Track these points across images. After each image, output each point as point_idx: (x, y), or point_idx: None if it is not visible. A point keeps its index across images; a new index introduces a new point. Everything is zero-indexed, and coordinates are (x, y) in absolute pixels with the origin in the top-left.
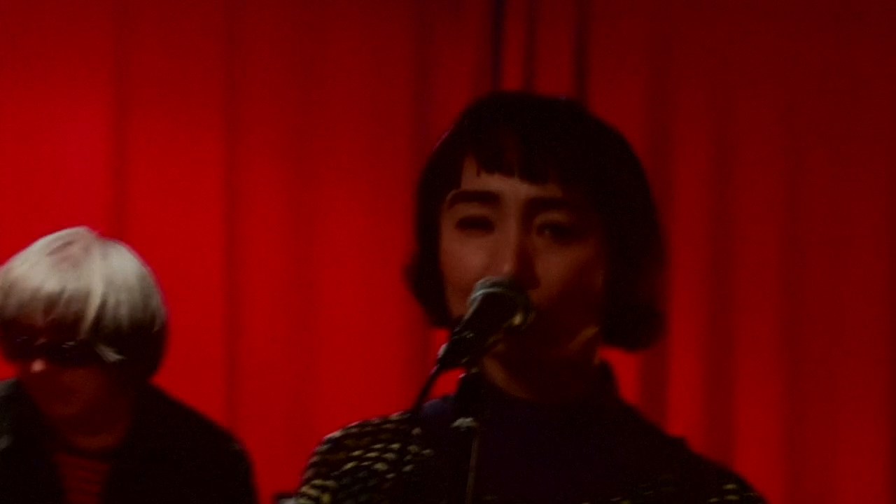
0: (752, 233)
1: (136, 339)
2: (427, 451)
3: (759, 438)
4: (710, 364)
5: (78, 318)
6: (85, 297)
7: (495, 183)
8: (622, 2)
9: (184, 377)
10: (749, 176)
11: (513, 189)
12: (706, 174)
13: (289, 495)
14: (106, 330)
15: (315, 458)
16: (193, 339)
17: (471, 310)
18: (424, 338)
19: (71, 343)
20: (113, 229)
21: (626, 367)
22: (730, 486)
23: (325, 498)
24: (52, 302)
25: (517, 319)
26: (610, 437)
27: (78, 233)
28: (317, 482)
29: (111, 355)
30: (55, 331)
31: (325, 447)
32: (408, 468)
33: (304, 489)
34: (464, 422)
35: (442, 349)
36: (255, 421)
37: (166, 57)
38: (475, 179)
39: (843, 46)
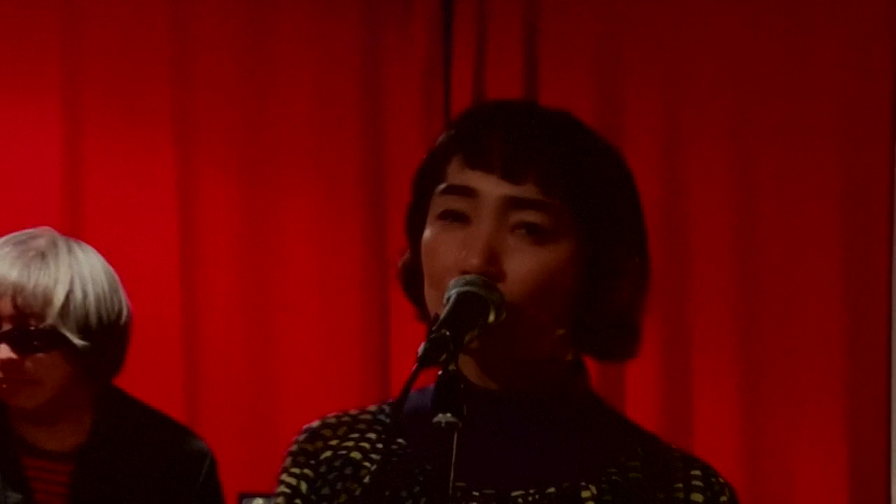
0: (705, 228)
1: (103, 328)
2: (401, 441)
3: (716, 433)
4: (667, 359)
5: (45, 303)
6: (53, 283)
7: (476, 179)
8: None
9: (143, 381)
10: (700, 171)
11: (491, 186)
12: (657, 170)
13: (253, 495)
14: (73, 315)
15: (293, 448)
16: (152, 342)
17: (447, 308)
18: (383, 334)
19: (36, 327)
20: (68, 235)
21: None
22: (696, 473)
23: (303, 486)
24: (18, 289)
25: (491, 317)
26: (578, 425)
27: (42, 229)
28: (295, 470)
29: (77, 341)
30: (21, 317)
31: (303, 437)
32: (379, 457)
33: (283, 477)
34: (443, 418)
35: (421, 347)
36: (217, 423)
37: (115, 60)
38: (459, 175)
39: (792, 39)
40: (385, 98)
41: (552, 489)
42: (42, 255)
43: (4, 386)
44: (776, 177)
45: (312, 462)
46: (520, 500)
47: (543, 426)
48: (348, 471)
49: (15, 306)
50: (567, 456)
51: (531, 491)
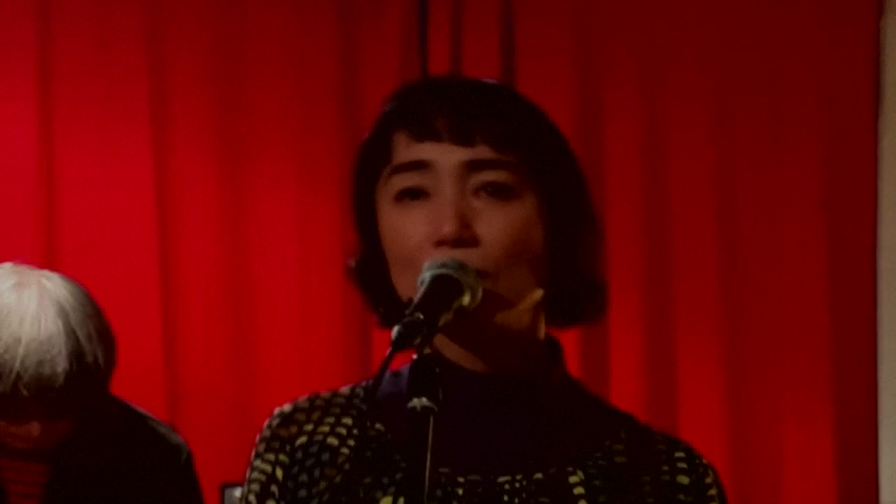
0: (687, 211)
1: (112, 363)
2: (379, 427)
3: (701, 417)
4: (651, 343)
5: (74, 379)
6: (63, 354)
7: (427, 151)
8: None
9: (122, 373)
10: (682, 155)
11: (445, 154)
12: (638, 155)
13: (235, 485)
14: (95, 377)
15: (266, 433)
16: (130, 334)
17: (420, 291)
18: (363, 324)
19: (69, 402)
20: (43, 225)
21: (565, 351)
22: (680, 455)
23: (279, 472)
24: (34, 380)
25: (466, 300)
26: (560, 409)
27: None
28: (269, 456)
29: (99, 394)
30: (54, 400)
31: (275, 421)
32: (356, 443)
33: (256, 463)
34: (419, 402)
35: (395, 331)
36: (198, 413)
37: (90, 45)
38: (406, 151)
39: (775, 25)
40: (362, 85)
41: (539, 475)
42: (45, 330)
43: (18, 442)
44: (757, 155)
45: (287, 448)
46: (506, 486)
47: (527, 410)
48: (325, 457)
49: (37, 394)
50: (552, 441)
51: (518, 477)
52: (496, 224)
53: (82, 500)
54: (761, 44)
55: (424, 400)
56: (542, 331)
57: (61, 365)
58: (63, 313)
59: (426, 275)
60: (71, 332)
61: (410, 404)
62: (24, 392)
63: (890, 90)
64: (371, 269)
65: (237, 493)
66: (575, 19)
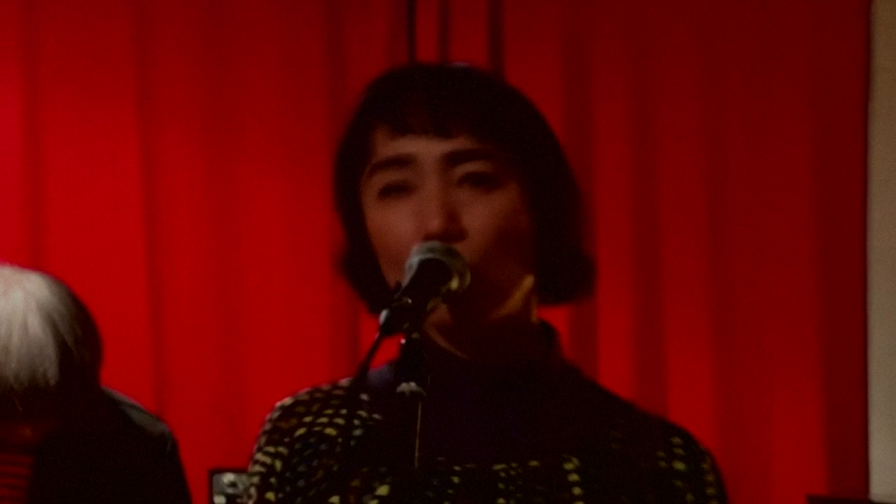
0: (676, 198)
1: (100, 359)
2: (376, 416)
3: (690, 401)
4: (640, 325)
5: (64, 383)
6: (54, 362)
7: (408, 145)
8: None
9: (110, 359)
10: (670, 146)
11: (427, 147)
12: (626, 143)
13: (223, 471)
14: (86, 377)
15: (267, 426)
16: (119, 325)
17: (408, 276)
18: (352, 314)
19: (61, 404)
20: (29, 220)
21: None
22: (676, 441)
23: (278, 464)
24: (25, 388)
25: (454, 284)
26: (556, 395)
27: None
28: (269, 449)
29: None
30: (45, 404)
31: (276, 414)
32: (358, 433)
33: (258, 456)
34: (407, 387)
35: (382, 316)
36: (186, 400)
37: (76, 34)
38: (388, 146)
39: (761, 15)
40: (349, 74)
41: (535, 462)
42: (24, 335)
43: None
44: (746, 149)
45: (287, 440)
46: (502, 473)
47: (522, 397)
48: (323, 447)
49: (26, 404)
50: (547, 427)
51: (513, 465)
52: (481, 215)
53: (67, 490)
54: (751, 32)
55: (413, 385)
56: (535, 316)
57: (52, 374)
58: (50, 320)
59: (414, 259)
60: (60, 339)
61: (399, 389)
62: (17, 403)
63: (880, 81)
64: (359, 263)
65: (225, 478)
66: (564, 10)
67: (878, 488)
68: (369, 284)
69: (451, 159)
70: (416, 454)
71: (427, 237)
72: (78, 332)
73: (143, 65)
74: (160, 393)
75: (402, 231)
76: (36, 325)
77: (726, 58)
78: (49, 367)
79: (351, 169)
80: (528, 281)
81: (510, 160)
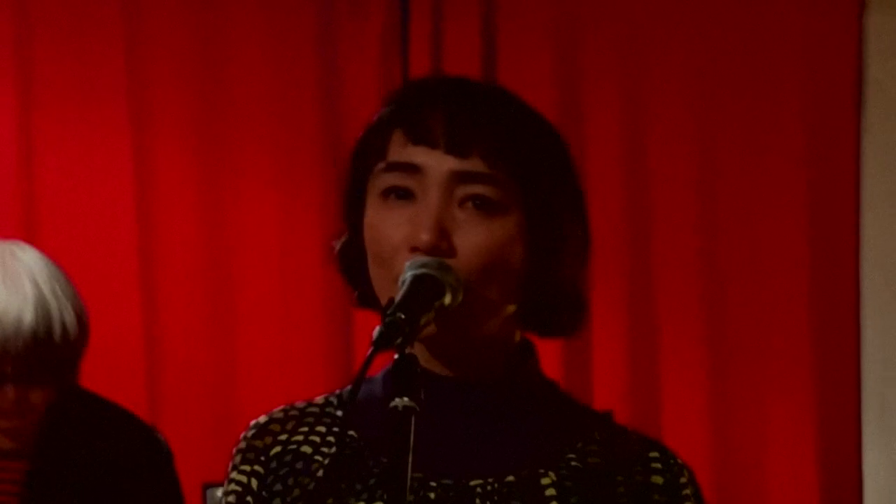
0: (669, 208)
1: (84, 332)
2: (351, 433)
3: (684, 416)
4: (633, 341)
5: (43, 336)
6: (29, 303)
7: (420, 155)
8: None
9: (104, 372)
10: (663, 153)
11: (436, 161)
12: (619, 152)
13: (217, 485)
14: (66, 339)
15: (242, 444)
16: (111, 333)
17: (402, 291)
18: (345, 322)
19: (41, 363)
20: (22, 220)
21: (548, 351)
22: (654, 455)
23: (254, 483)
24: (17, 331)
25: (447, 299)
26: (533, 411)
27: None
28: (245, 468)
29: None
30: (24, 357)
31: (251, 432)
32: (331, 450)
33: (233, 475)
34: (401, 402)
35: (376, 331)
36: (180, 413)
37: (69, 42)
38: (401, 151)
39: (754, 20)
40: (342, 84)
41: (511, 477)
42: (14, 281)
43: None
44: (739, 154)
45: (262, 458)
46: (478, 489)
47: (499, 412)
48: (299, 465)
49: (16, 349)
50: (524, 443)
51: (490, 480)
52: (476, 238)
53: (61, 498)
54: (744, 38)
55: (406, 400)
56: (515, 335)
57: (28, 313)
58: (29, 271)
59: (407, 274)
60: (36, 286)
61: (392, 404)
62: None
63: (872, 88)
64: (352, 256)
65: (219, 493)
66: (556, 17)
67: (871, 500)
68: (358, 276)
69: (458, 178)
70: (410, 470)
71: (414, 249)
72: (58, 291)
73: (136, 70)
74: (153, 405)
75: (392, 235)
76: (17, 275)
77: (719, 67)
78: (26, 310)
79: (363, 163)
80: (509, 309)
81: (517, 190)
